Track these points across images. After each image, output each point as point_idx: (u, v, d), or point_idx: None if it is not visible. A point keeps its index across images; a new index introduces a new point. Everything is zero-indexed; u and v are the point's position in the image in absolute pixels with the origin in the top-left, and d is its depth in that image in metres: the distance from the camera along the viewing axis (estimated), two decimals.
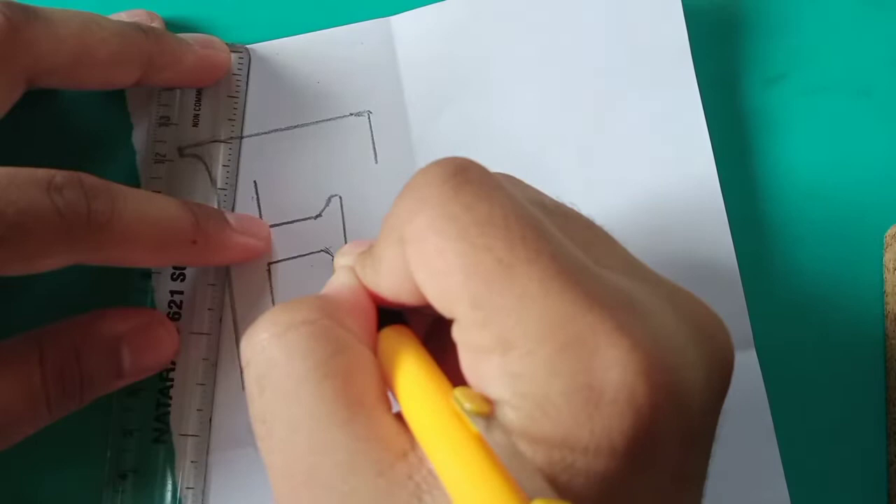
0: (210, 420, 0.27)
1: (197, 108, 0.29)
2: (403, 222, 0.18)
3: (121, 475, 0.27)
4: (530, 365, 0.16)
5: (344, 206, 0.29)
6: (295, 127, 0.29)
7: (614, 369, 0.16)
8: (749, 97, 0.29)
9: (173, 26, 0.29)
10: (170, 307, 0.28)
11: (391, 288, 0.19)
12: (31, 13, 0.24)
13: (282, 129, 0.29)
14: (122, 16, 0.28)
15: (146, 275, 0.28)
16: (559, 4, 0.29)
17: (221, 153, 0.29)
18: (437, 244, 0.17)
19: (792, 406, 0.27)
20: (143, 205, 0.24)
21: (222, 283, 0.28)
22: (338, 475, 0.17)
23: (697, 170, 0.28)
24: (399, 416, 0.18)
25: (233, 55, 0.29)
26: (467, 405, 0.16)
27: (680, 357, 0.17)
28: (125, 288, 0.28)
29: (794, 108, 0.29)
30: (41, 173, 0.22)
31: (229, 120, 0.29)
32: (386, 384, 0.19)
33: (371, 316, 0.20)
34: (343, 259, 0.22)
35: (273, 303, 0.28)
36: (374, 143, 0.29)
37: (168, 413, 0.27)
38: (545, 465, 0.15)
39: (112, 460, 0.27)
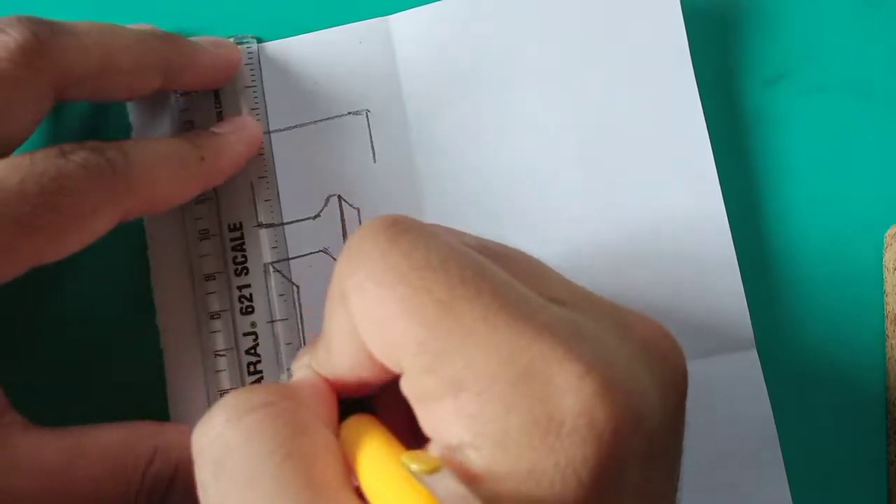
0: None
1: (218, 107, 0.29)
2: (344, 279, 0.18)
3: None
4: (485, 403, 0.16)
5: (343, 206, 0.29)
6: (293, 127, 0.29)
7: (569, 396, 0.15)
8: (748, 97, 0.29)
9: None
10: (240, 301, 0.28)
11: (346, 363, 0.19)
12: (55, 26, 0.24)
13: (280, 130, 0.29)
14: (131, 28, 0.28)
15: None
16: (558, 4, 0.29)
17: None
18: (377, 292, 0.17)
19: (791, 406, 0.27)
20: (145, 144, 0.25)
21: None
22: None
23: (697, 170, 0.28)
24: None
25: (242, 48, 0.29)
26: (413, 466, 0.16)
27: (633, 379, 0.17)
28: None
29: (793, 109, 0.29)
30: (49, 148, 0.23)
31: (253, 109, 0.29)
32: (350, 473, 0.18)
33: (333, 406, 0.20)
34: (299, 362, 0.22)
35: (272, 305, 0.28)
36: (372, 142, 0.29)
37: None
38: (515, 501, 0.15)
39: None
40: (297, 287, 0.28)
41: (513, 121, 0.29)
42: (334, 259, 0.28)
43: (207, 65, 0.28)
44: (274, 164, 0.29)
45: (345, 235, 0.28)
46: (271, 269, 0.28)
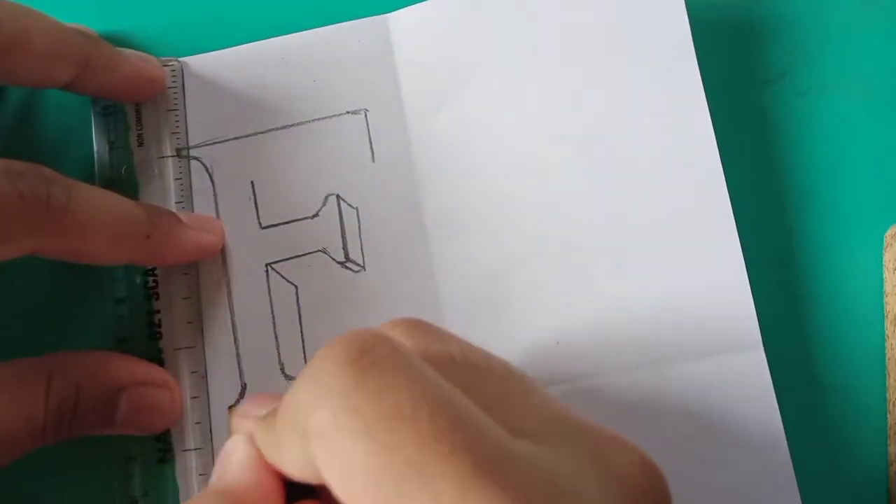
0: (210, 431, 0.27)
1: (139, 128, 0.29)
2: (305, 414, 0.17)
3: (132, 502, 0.26)
4: None
5: (341, 206, 0.28)
6: (291, 125, 0.29)
7: None
8: (750, 97, 0.29)
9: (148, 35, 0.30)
10: (149, 327, 0.27)
11: (295, 473, 0.18)
12: None
13: (278, 128, 0.29)
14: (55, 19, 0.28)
15: (120, 301, 0.28)
16: (558, 3, 0.29)
17: (171, 168, 0.28)
18: (341, 443, 0.16)
19: (791, 406, 0.27)
20: (98, 196, 0.24)
21: (196, 296, 0.28)
22: None
23: (702, 168, 0.27)
24: None
25: (166, 69, 0.29)
26: None
27: None
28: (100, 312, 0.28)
29: (794, 108, 0.29)
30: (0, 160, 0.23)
31: (173, 133, 0.29)
32: None
33: (278, 497, 0.19)
34: (242, 423, 0.21)
35: (271, 305, 0.28)
36: (370, 141, 0.29)
37: (168, 431, 0.27)
38: None
39: (119, 490, 0.26)
40: (297, 287, 0.28)
41: (513, 119, 0.28)
42: (333, 259, 0.28)
43: (126, 74, 0.28)
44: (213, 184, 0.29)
45: (343, 235, 0.28)
46: (270, 269, 0.28)
